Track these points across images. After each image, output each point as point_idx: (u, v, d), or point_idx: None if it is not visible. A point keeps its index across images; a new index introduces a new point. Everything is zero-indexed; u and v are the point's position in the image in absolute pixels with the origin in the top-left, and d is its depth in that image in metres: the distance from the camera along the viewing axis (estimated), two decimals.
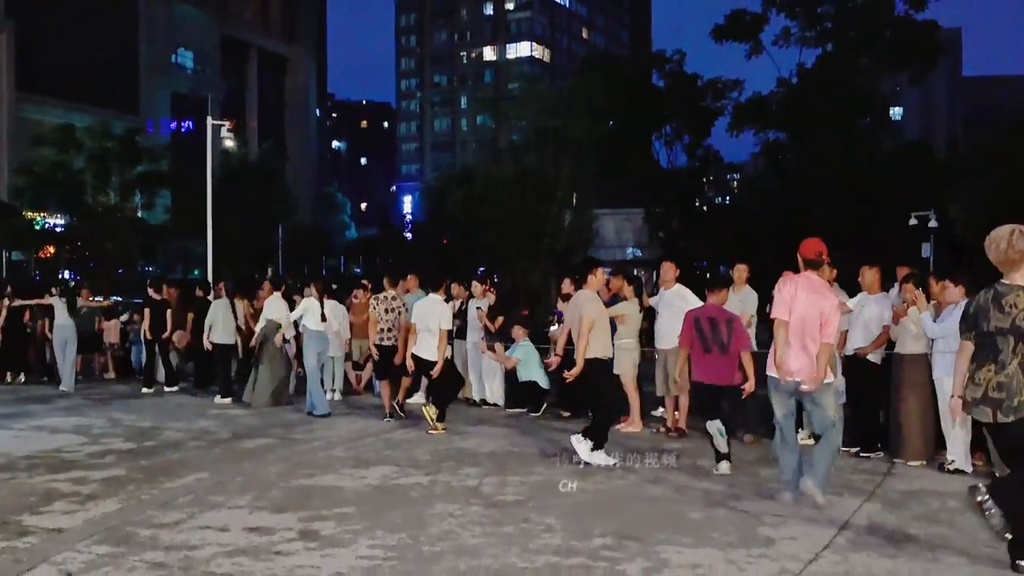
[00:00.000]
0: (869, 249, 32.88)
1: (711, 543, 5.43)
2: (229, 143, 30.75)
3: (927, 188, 34.07)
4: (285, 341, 11.88)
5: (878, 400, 8.58)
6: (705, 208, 49.25)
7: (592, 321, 7.94)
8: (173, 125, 63.78)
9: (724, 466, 7.51)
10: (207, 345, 12.56)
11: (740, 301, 9.45)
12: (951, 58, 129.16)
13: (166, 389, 13.35)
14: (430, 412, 9.55)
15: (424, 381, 12.22)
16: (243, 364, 12.83)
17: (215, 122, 22.97)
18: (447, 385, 9.93)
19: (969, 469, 7.67)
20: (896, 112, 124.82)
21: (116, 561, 5.04)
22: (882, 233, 32.32)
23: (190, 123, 60.69)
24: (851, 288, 9.06)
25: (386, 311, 10.60)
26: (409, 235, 69.81)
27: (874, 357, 8.52)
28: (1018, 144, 30.14)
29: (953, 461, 7.76)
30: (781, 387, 6.36)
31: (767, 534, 5.65)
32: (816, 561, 5.10)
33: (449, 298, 11.99)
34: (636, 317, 10.32)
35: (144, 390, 13.22)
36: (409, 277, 12.71)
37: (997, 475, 7.27)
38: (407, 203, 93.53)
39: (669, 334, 9.59)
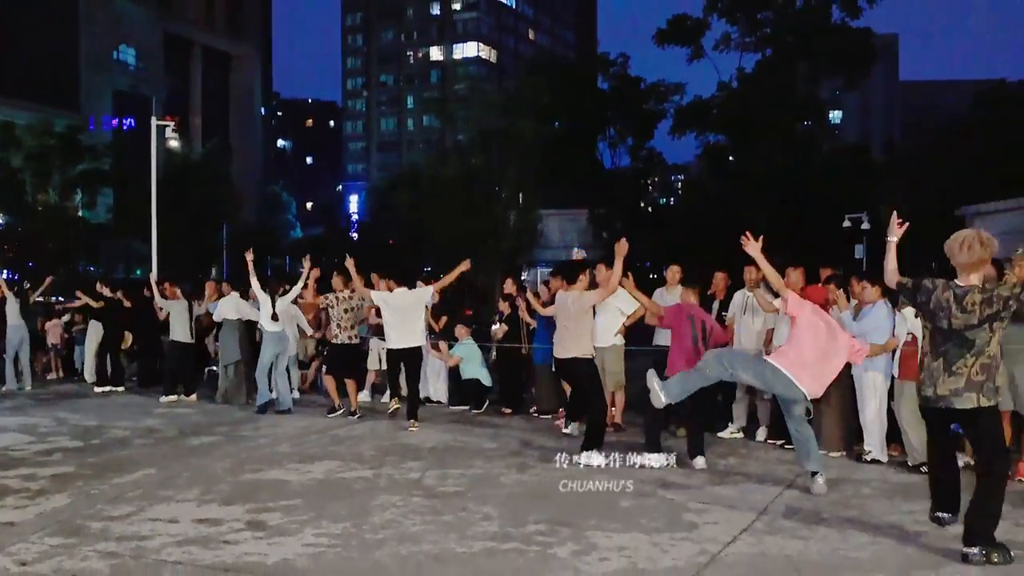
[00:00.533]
0: (806, 250, 33.89)
1: (638, 528, 5.79)
2: (174, 143, 30.46)
3: (863, 191, 35.12)
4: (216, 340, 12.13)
5: None
6: (650, 209, 50.01)
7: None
8: (115, 123, 62.75)
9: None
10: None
11: (673, 300, 9.85)
12: (888, 63, 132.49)
13: (112, 389, 13.34)
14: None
15: (371, 379, 12.50)
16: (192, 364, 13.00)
17: (159, 122, 22.79)
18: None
19: (885, 459, 8.14)
20: (835, 116, 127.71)
21: (69, 551, 5.23)
22: (819, 235, 33.24)
23: (132, 121, 59.79)
24: None
25: (345, 311, 10.81)
26: (355, 235, 69.59)
27: None
28: (945, 148, 31.30)
29: (870, 451, 8.24)
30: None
31: (691, 519, 6.03)
32: (734, 543, 5.48)
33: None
34: None
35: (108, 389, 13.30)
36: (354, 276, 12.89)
37: (911, 464, 7.78)
38: (353, 203, 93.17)
39: (605, 333, 10.00)
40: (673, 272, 10.21)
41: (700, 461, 7.81)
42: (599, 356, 10.15)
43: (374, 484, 7.12)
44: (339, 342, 10.85)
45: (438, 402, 12.05)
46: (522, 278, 31.59)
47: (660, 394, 7.01)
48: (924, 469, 7.65)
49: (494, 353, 11.99)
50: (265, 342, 11.31)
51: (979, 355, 5.13)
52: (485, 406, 11.51)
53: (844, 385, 8.52)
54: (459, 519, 6.01)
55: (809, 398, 6.84)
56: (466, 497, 6.67)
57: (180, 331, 12.56)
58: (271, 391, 11.26)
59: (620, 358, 10.13)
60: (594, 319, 8.96)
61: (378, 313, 10.96)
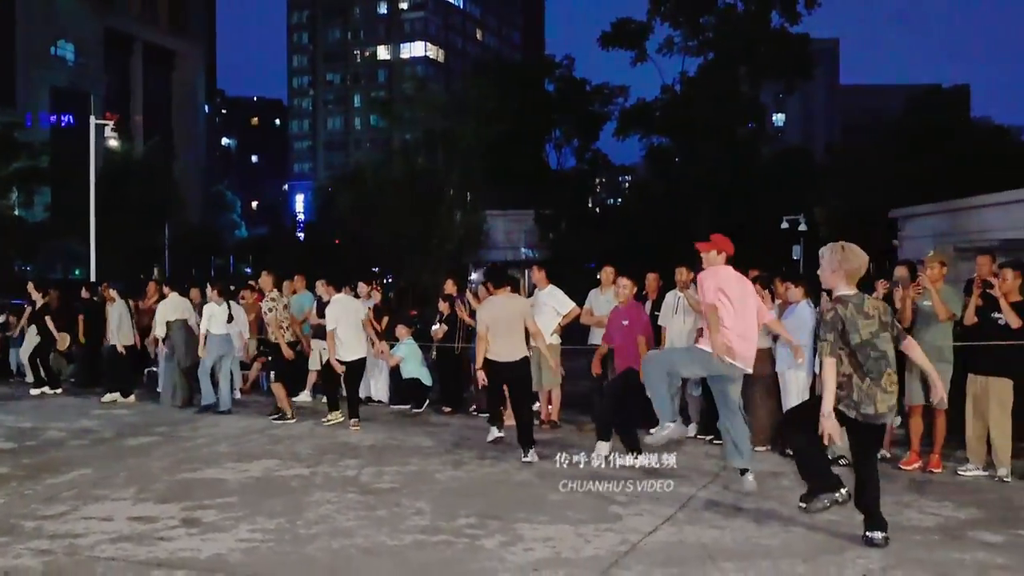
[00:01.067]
0: (747, 251, 34.58)
1: (565, 520, 6.01)
2: (113, 142, 29.98)
3: (803, 193, 35.95)
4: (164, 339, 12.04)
5: None
6: (598, 210, 50.56)
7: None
8: (53, 119, 61.46)
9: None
10: (120, 348, 12.56)
11: (607, 301, 10.12)
12: (829, 67, 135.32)
13: (47, 391, 13.15)
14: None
15: (312, 379, 12.57)
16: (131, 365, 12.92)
17: (98, 121, 22.48)
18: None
19: None
20: (779, 119, 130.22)
21: (2, 550, 5.29)
22: (760, 236, 33.96)
23: (71, 118, 58.60)
24: None
25: (285, 307, 11.01)
26: (301, 235, 69.11)
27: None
28: (880, 152, 32.22)
29: None
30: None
31: (617, 511, 6.26)
32: (654, 533, 5.73)
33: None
34: None
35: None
36: (296, 277, 12.94)
37: (831, 458, 8.12)
38: (299, 202, 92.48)
39: (543, 332, 10.24)
40: (607, 273, 10.46)
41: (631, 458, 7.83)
42: (535, 355, 10.42)
43: (310, 482, 7.25)
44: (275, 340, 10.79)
45: (379, 401, 12.18)
46: (471, 278, 31.77)
47: (663, 430, 7.02)
48: (843, 462, 8.02)
49: (434, 353, 12.15)
50: (210, 344, 11.30)
51: (891, 367, 5.29)
52: (425, 405, 11.66)
53: (769, 382, 8.87)
54: (392, 514, 6.17)
55: (746, 371, 6.94)
56: (400, 493, 6.83)
57: (125, 334, 12.49)
58: (215, 393, 11.27)
59: (557, 356, 10.34)
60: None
61: (320, 313, 11.05)
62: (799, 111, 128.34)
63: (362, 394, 12.35)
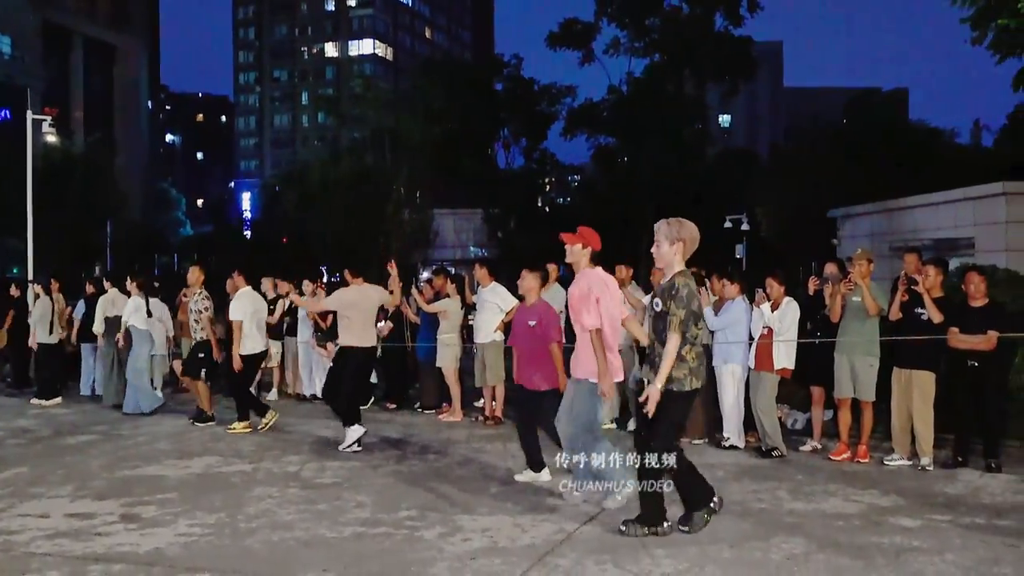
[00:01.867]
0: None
1: (503, 511, 6.13)
2: (51, 138, 29.35)
3: (746, 193, 36.55)
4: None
5: None
6: (547, 209, 50.81)
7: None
8: None
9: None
10: (33, 345, 12.36)
11: (549, 299, 10.26)
12: (773, 70, 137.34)
13: None
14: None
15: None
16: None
17: (35, 116, 22.01)
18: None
19: (742, 445, 8.72)
20: (725, 120, 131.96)
21: None
22: (705, 235, 34.45)
23: (7, 113, 57.24)
24: None
25: (206, 308, 10.42)
26: (248, 233, 68.35)
27: None
28: (819, 152, 32.92)
29: (728, 438, 8.81)
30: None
31: (554, 503, 6.40)
32: (590, 522, 5.87)
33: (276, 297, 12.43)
34: (458, 313, 11.03)
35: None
36: (236, 275, 12.79)
37: (764, 449, 8.37)
38: (246, 200, 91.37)
39: (485, 329, 10.38)
40: (551, 270, 10.61)
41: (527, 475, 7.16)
42: (480, 351, 10.55)
43: (252, 478, 7.27)
44: (200, 339, 10.35)
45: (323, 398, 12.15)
46: (422, 276, 31.72)
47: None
48: (775, 453, 8.29)
49: (379, 350, 12.18)
50: (137, 342, 11.13)
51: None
52: (371, 401, 11.70)
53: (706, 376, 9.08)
54: (333, 508, 6.24)
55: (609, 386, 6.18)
56: (342, 487, 6.89)
57: (43, 331, 12.30)
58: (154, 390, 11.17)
59: (500, 353, 10.46)
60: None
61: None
62: (744, 112, 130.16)
63: (307, 392, 12.42)
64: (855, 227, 26.36)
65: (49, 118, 23.72)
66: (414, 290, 11.76)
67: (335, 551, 5.24)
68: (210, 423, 9.98)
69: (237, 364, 9.59)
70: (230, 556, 5.13)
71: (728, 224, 31.36)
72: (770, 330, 8.52)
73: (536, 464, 7.10)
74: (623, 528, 5.54)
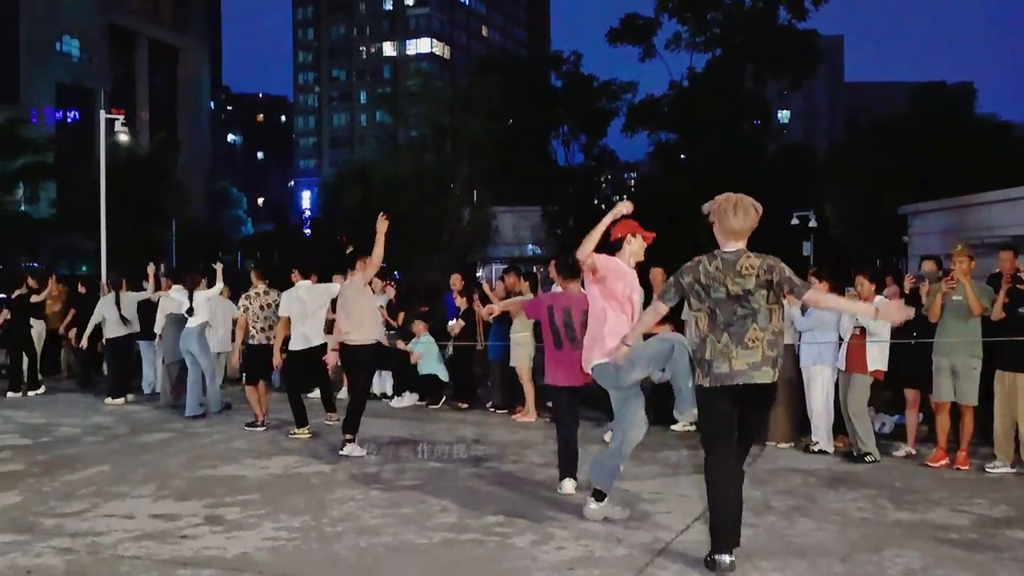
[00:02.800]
0: (755, 247, 34.45)
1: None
2: (123, 137, 29.85)
3: (810, 189, 35.79)
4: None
5: None
6: (603, 206, 50.35)
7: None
8: (58, 115, 61.47)
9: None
10: (83, 343, 12.43)
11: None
12: (833, 64, 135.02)
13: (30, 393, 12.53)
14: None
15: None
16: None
17: (108, 115, 22.41)
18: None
19: (831, 450, 8.38)
20: (783, 115, 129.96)
21: (23, 547, 5.19)
22: (768, 232, 33.81)
23: (76, 113, 58.61)
24: None
25: (261, 308, 9.91)
26: (308, 231, 69.01)
27: None
28: (884, 148, 32.07)
29: (817, 443, 8.47)
30: None
31: (645, 509, 6.16)
32: (686, 531, 5.62)
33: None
34: None
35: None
36: (294, 273, 12.60)
37: (856, 454, 8.02)
38: (305, 199, 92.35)
39: None
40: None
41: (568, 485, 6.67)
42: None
43: (331, 479, 7.15)
44: (256, 343, 9.86)
45: (386, 396, 12.04)
46: (477, 275, 31.67)
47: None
48: (868, 459, 7.94)
49: (450, 348, 12.06)
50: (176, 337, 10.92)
51: (765, 326, 4.74)
52: (442, 401, 11.58)
53: (792, 378, 8.76)
54: (417, 512, 6.07)
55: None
56: (424, 490, 6.72)
57: (111, 327, 12.14)
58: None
59: None
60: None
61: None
62: (802, 109, 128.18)
63: (377, 391, 12.30)
64: (926, 224, 25.66)
65: (121, 117, 24.11)
66: (485, 286, 11.58)
67: (425, 558, 5.06)
68: (258, 428, 9.60)
69: (276, 359, 9.43)
70: (319, 562, 4.99)
71: (795, 221, 30.69)
72: (862, 330, 8.16)
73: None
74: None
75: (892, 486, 7.00)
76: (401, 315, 12.30)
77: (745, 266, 4.75)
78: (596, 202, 50.84)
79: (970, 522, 5.93)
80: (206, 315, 10.84)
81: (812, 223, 30.34)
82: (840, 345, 8.32)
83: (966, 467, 7.64)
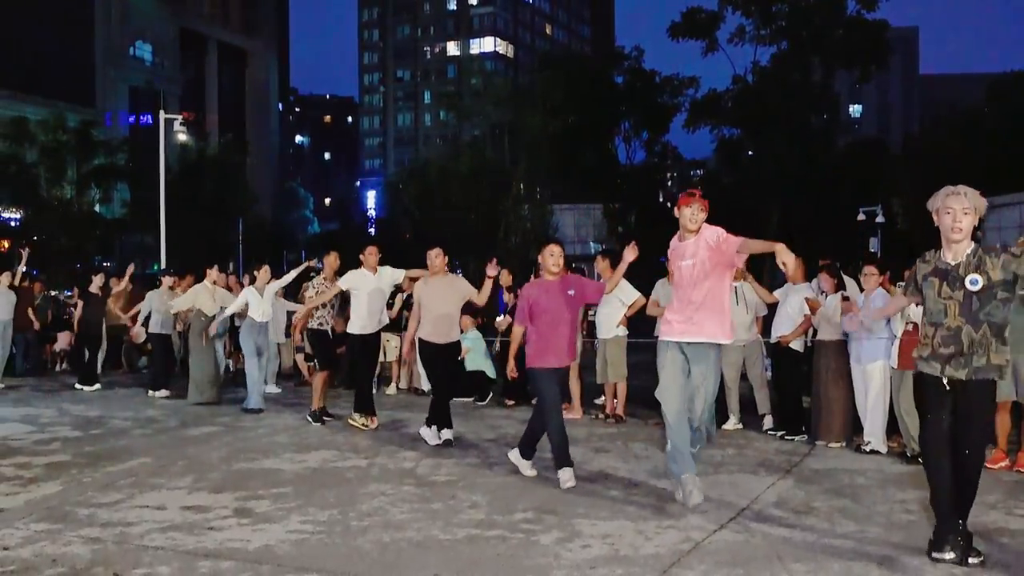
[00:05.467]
0: (821, 243, 33.68)
1: (624, 516, 5.75)
2: (183, 136, 30.57)
3: (878, 184, 34.85)
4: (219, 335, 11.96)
5: (801, 385, 9.00)
6: (669, 204, 49.80)
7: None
8: (131, 118, 63.17)
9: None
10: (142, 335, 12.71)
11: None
12: (908, 56, 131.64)
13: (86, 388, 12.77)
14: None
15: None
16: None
17: (167, 116, 22.94)
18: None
19: (884, 450, 8.07)
20: (855, 109, 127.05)
21: (52, 536, 5.26)
22: (835, 228, 33.03)
23: (148, 116, 60.07)
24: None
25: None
26: (372, 230, 69.76)
27: (796, 344, 8.92)
28: (960, 141, 31.07)
29: (870, 442, 8.17)
30: None
31: (679, 509, 5.96)
32: (720, 531, 5.43)
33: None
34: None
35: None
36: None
37: (909, 455, 7.71)
38: (370, 198, 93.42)
39: (607, 324, 10.03)
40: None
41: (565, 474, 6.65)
42: (602, 347, 10.19)
43: (367, 473, 7.12)
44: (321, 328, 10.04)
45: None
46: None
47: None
48: (910, 453, 7.63)
49: (498, 345, 11.99)
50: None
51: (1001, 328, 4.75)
52: (489, 398, 11.51)
53: (843, 376, 8.47)
54: (447, 507, 5.99)
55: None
56: (456, 486, 6.65)
57: (155, 322, 12.50)
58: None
59: (623, 349, 10.10)
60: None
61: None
62: (875, 102, 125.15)
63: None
64: (1001, 218, 24.83)
65: (180, 117, 24.66)
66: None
67: (447, 554, 4.98)
68: (320, 422, 9.57)
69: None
70: (339, 556, 4.94)
71: (861, 216, 29.89)
72: (915, 325, 7.83)
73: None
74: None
75: None
76: None
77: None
78: (661, 199, 50.36)
79: (1023, 527, 5.63)
80: (256, 313, 10.79)
81: (879, 218, 29.51)
82: (893, 341, 8.01)
83: None
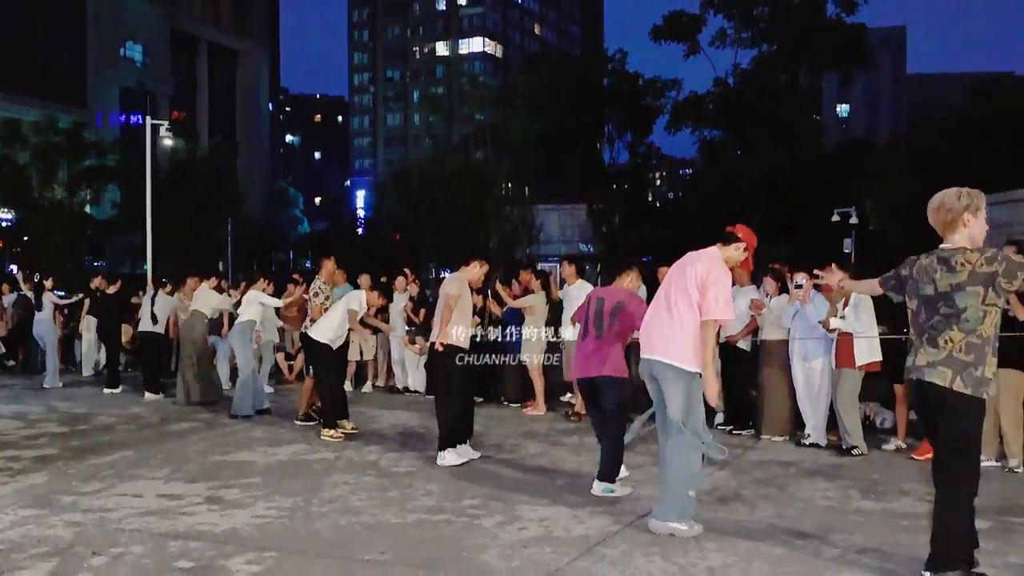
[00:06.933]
0: (799, 245, 34.19)
1: (564, 503, 6.27)
2: (168, 141, 31.06)
3: (860, 184, 35.37)
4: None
5: (748, 383, 9.53)
6: (658, 204, 50.36)
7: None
8: (123, 118, 63.46)
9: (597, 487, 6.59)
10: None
11: (577, 292, 10.32)
12: (895, 56, 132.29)
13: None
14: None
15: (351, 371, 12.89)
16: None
17: (154, 122, 23.43)
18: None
19: (824, 443, 8.61)
20: (843, 109, 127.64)
21: (38, 520, 5.77)
22: (812, 229, 33.59)
23: (139, 117, 60.34)
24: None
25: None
26: (361, 230, 70.19)
27: (743, 344, 9.45)
28: (943, 141, 31.61)
29: (809, 436, 8.71)
30: None
31: (616, 498, 6.48)
32: (644, 517, 5.95)
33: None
34: (543, 308, 11.20)
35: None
36: (337, 272, 13.26)
37: (844, 447, 8.23)
38: (360, 198, 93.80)
39: (571, 325, 10.52)
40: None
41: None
42: (568, 347, 10.68)
43: (333, 465, 7.63)
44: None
45: (416, 391, 12.53)
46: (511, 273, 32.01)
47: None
48: (855, 452, 8.17)
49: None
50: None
51: (970, 331, 4.51)
52: None
53: (785, 374, 9.00)
54: (402, 495, 6.51)
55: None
56: (415, 476, 7.17)
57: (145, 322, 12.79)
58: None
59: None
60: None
61: None
62: (863, 101, 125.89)
63: (400, 385, 12.82)
64: None
65: (166, 122, 25.11)
66: (498, 285, 11.99)
67: (395, 535, 5.50)
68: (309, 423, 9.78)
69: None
70: (297, 538, 5.45)
71: (836, 218, 30.49)
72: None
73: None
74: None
75: (869, 478, 7.23)
76: (423, 311, 12.74)
77: (960, 261, 4.54)
78: (651, 199, 50.83)
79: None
80: (255, 315, 11.07)
81: (853, 219, 30.09)
82: (832, 342, 8.54)
83: None
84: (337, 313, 9.42)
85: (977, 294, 4.49)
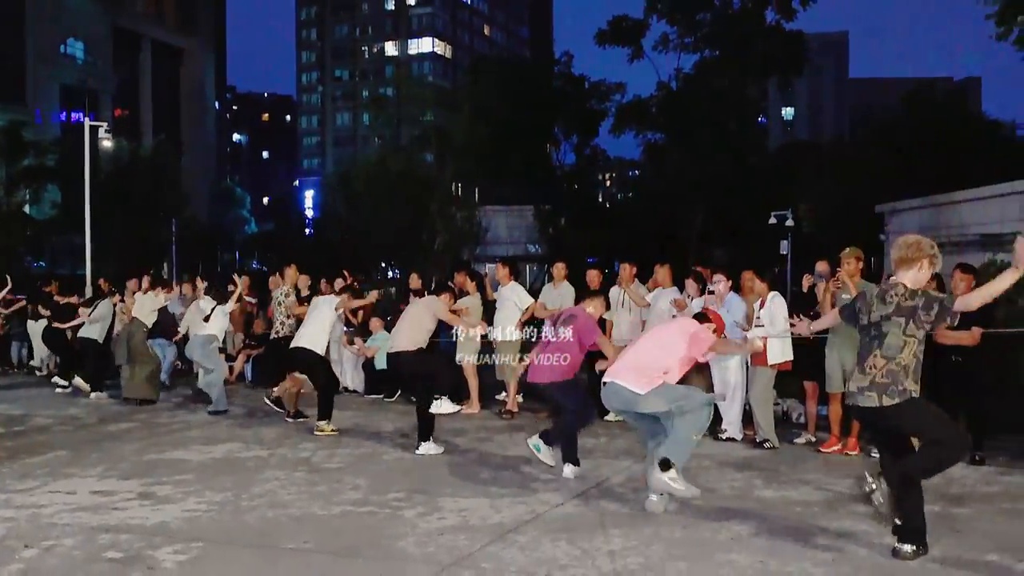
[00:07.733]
0: (739, 247, 34.99)
1: (485, 495, 6.61)
2: (107, 143, 30.80)
3: (799, 188, 36.29)
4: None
5: None
6: (608, 205, 50.89)
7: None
8: (63, 117, 62.45)
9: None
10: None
11: (559, 296, 10.73)
12: (838, 60, 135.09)
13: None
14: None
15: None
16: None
17: (92, 123, 23.30)
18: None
19: (740, 437, 9.06)
20: (788, 112, 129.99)
21: None
22: (752, 232, 34.43)
23: (80, 115, 59.39)
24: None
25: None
26: (309, 231, 69.84)
27: None
28: (876, 145, 32.60)
29: (726, 431, 9.16)
30: None
31: (536, 488, 6.85)
32: (562, 506, 6.31)
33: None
34: (478, 310, 11.52)
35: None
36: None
37: (758, 441, 8.69)
38: (308, 198, 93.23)
39: (504, 326, 10.86)
40: (559, 269, 11.14)
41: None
42: (499, 347, 11.02)
43: (266, 462, 7.87)
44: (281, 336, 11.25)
45: (355, 391, 12.78)
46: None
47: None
48: (767, 445, 8.63)
49: None
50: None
51: (889, 358, 5.03)
52: (397, 394, 12.27)
53: (706, 371, 9.42)
54: (330, 489, 6.79)
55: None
56: (344, 471, 7.45)
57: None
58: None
59: (515, 350, 10.91)
60: None
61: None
62: (807, 104, 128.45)
63: (339, 385, 13.05)
64: (902, 222, 26.10)
65: (105, 124, 24.92)
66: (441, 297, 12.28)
67: (320, 526, 5.78)
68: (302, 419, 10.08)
69: None
70: (225, 529, 5.71)
71: (773, 220, 31.31)
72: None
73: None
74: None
75: (776, 469, 7.67)
76: (360, 314, 12.98)
77: (892, 294, 5.08)
78: (601, 200, 51.32)
79: (824, 499, 6.60)
80: (219, 330, 11.34)
81: (789, 222, 30.95)
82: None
83: (856, 452, 8.30)
84: (322, 320, 9.76)
85: (899, 324, 5.03)
